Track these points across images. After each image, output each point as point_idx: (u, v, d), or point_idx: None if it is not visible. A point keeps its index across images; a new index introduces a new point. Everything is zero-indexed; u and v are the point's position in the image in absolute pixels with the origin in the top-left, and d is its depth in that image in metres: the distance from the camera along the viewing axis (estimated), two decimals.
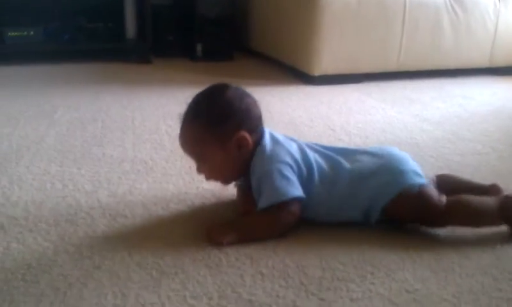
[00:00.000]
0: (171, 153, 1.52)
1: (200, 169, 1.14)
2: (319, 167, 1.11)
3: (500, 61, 2.76)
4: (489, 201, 1.10)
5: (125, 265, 0.97)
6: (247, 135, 1.08)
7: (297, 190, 1.05)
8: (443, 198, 1.09)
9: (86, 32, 2.90)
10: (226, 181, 1.16)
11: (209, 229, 1.06)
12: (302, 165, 1.09)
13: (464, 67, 2.71)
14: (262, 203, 1.06)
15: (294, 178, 1.06)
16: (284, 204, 1.05)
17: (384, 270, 0.97)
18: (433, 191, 1.10)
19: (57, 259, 0.98)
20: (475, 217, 1.09)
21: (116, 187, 1.30)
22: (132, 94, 2.23)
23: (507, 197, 1.10)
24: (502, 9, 2.67)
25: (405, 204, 1.07)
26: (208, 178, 1.15)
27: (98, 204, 1.20)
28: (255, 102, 1.13)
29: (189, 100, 1.12)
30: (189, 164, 1.41)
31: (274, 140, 1.12)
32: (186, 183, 1.32)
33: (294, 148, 1.12)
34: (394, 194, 1.07)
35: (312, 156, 1.12)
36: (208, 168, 1.11)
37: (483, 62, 2.75)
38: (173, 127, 1.70)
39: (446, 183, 1.18)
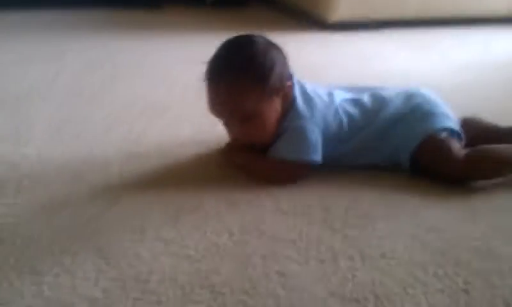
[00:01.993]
0: (184, 97, 1.48)
1: (241, 130, 1.03)
2: (349, 115, 1.06)
3: None
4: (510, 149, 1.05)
5: (143, 201, 0.94)
6: (291, 86, 1.04)
7: (314, 154, 1.02)
8: (463, 150, 1.04)
9: None
10: (266, 140, 1.05)
11: (227, 147, 1.09)
12: (331, 120, 1.05)
13: (483, 16, 2.62)
14: (278, 152, 1.03)
15: (317, 139, 1.02)
16: (296, 163, 1.02)
17: (411, 211, 0.94)
18: (456, 142, 1.05)
19: (70, 199, 0.95)
20: (495, 169, 1.04)
21: (130, 128, 1.26)
22: (141, 39, 2.17)
23: None
24: None
25: (430, 149, 1.03)
26: (248, 138, 1.04)
27: (112, 145, 1.17)
28: (282, 50, 1.06)
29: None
30: (203, 107, 1.37)
31: (305, 93, 1.06)
32: (202, 125, 1.28)
33: (324, 102, 1.06)
34: (423, 137, 1.03)
35: (342, 106, 1.07)
36: (256, 125, 1.01)
37: (502, 10, 2.65)
38: (185, 72, 1.65)
39: (471, 128, 1.13)
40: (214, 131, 1.22)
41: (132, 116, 1.33)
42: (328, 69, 1.81)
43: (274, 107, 1.02)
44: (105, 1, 2.74)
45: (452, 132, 1.05)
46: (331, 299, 0.71)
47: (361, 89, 1.14)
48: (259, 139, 1.04)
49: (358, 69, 1.82)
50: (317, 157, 1.03)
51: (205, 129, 1.25)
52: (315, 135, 1.02)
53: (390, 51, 2.09)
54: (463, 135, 1.08)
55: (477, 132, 1.12)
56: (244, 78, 0.98)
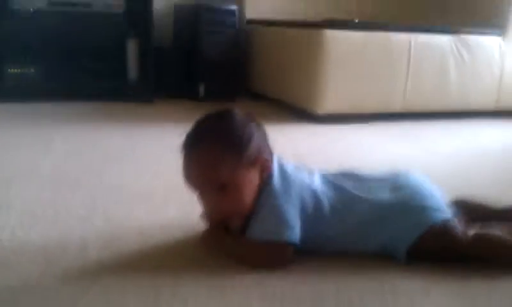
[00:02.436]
0: (172, 183, 1.44)
1: (215, 203, 0.99)
2: (329, 200, 1.02)
3: (507, 104, 2.72)
4: None
5: (119, 287, 0.88)
6: (270, 159, 1.01)
7: (291, 234, 0.97)
8: (469, 232, 1.00)
9: (88, 72, 2.86)
10: (241, 215, 1.02)
11: (207, 232, 1.04)
12: (308, 202, 1.00)
13: (470, 110, 2.67)
14: (254, 233, 0.98)
15: (294, 219, 0.98)
16: (277, 245, 0.97)
17: (408, 299, 0.88)
18: (457, 226, 1.01)
19: (42, 282, 0.89)
20: (505, 252, 1.00)
21: (112, 212, 1.21)
22: (132, 129, 2.17)
23: None
24: (507, 51, 2.66)
25: (429, 243, 0.98)
26: (222, 212, 1.01)
27: (92, 229, 1.11)
28: (262, 126, 1.06)
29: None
30: (191, 193, 1.34)
31: (283, 171, 1.03)
32: (188, 211, 1.23)
33: (302, 182, 1.03)
34: (418, 234, 0.99)
35: (322, 188, 1.04)
36: (231, 197, 0.97)
37: (489, 105, 2.71)
38: (174, 160, 1.62)
39: (466, 207, 1.10)
40: (200, 216, 1.18)
41: (115, 201, 1.29)
42: (314, 156, 1.80)
43: (251, 178, 0.98)
44: (95, 95, 2.78)
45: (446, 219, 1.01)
46: None
47: (345, 175, 1.09)
48: (234, 211, 1.00)
49: (344, 157, 1.81)
50: (294, 236, 0.97)
51: (191, 214, 1.20)
52: (291, 215, 0.97)
53: (377, 142, 2.10)
54: (458, 214, 1.04)
55: (472, 212, 1.09)
56: (219, 146, 0.96)
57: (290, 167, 1.05)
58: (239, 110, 1.03)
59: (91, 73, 2.88)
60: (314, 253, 1.00)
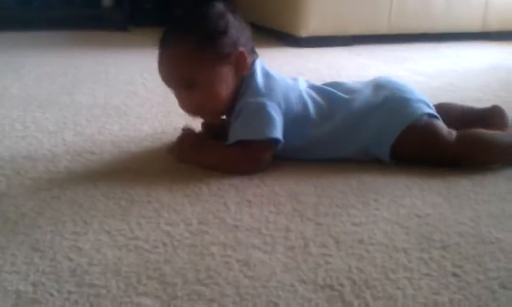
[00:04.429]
0: (147, 100, 1.38)
1: (185, 100, 0.95)
2: (315, 101, 0.98)
3: (493, 25, 2.65)
4: (504, 137, 0.99)
5: (89, 195, 0.83)
6: (246, 53, 0.94)
7: (275, 132, 0.91)
8: (453, 132, 0.97)
9: None
10: (215, 114, 0.99)
11: (179, 142, 0.98)
12: (294, 102, 0.96)
13: (456, 31, 2.60)
14: (235, 133, 0.92)
15: (278, 117, 0.92)
16: (257, 144, 0.92)
17: (389, 197, 0.85)
18: (442, 124, 0.97)
19: (9, 192, 0.84)
20: (489, 153, 0.97)
21: (83, 128, 1.16)
22: (106, 53, 2.07)
23: None
24: None
25: (412, 138, 0.95)
26: (194, 110, 0.97)
27: (62, 143, 1.06)
28: (246, 24, 0.99)
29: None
30: (167, 108, 1.28)
31: (266, 72, 0.98)
32: (163, 124, 1.19)
33: (287, 83, 0.99)
34: (402, 127, 0.95)
35: (307, 91, 1.00)
36: (200, 94, 0.93)
37: (475, 26, 2.64)
38: (150, 81, 1.56)
39: (447, 112, 1.06)
40: (176, 130, 1.13)
41: (86, 118, 1.23)
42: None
43: (223, 75, 0.93)
44: (68, 23, 2.66)
45: (430, 116, 0.98)
46: (301, 286, 0.61)
47: (330, 84, 1.06)
48: (205, 109, 0.95)
49: (329, 78, 1.75)
50: (278, 134, 0.91)
51: (166, 128, 1.15)
52: (275, 113, 0.92)
53: (362, 63, 2.04)
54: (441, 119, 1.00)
55: (453, 116, 1.05)
56: (188, 42, 0.91)
57: (273, 71, 1.00)
58: (224, 3, 0.96)
59: (64, 0, 2.74)
60: (292, 160, 0.97)
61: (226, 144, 0.94)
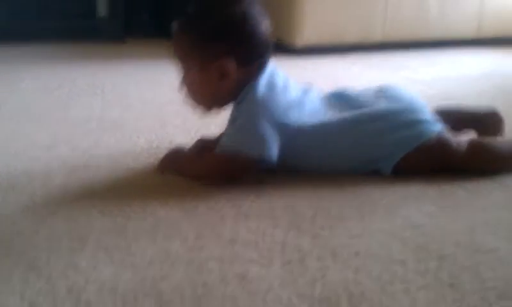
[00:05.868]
0: (142, 113, 1.38)
1: (182, 83, 1.00)
2: (321, 114, 0.99)
3: (488, 31, 2.67)
4: (507, 145, 1.02)
5: (85, 212, 0.83)
6: (231, 65, 0.93)
7: (259, 149, 0.91)
8: (462, 143, 0.98)
9: (54, 10, 2.72)
10: (204, 107, 1.01)
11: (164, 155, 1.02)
12: (293, 118, 0.95)
13: (451, 37, 2.61)
14: (220, 146, 0.94)
15: (268, 134, 0.91)
16: (239, 157, 0.92)
17: (385, 208, 0.85)
18: (450, 137, 0.98)
19: (5, 208, 0.84)
20: (497, 162, 1.00)
21: (79, 142, 1.15)
22: (102, 66, 2.07)
23: None
24: None
25: (423, 155, 0.95)
26: (186, 97, 1.01)
27: (58, 157, 1.06)
28: (264, 29, 0.99)
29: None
30: (163, 120, 1.29)
31: (271, 85, 0.97)
32: (159, 137, 1.19)
33: (290, 98, 0.98)
34: (411, 148, 0.95)
35: (315, 103, 1.01)
36: (187, 86, 0.99)
37: (470, 33, 2.65)
38: (146, 93, 1.56)
39: (447, 116, 1.06)
40: (171, 143, 1.13)
41: (82, 132, 1.23)
42: None
43: (204, 80, 0.95)
44: (65, 34, 2.66)
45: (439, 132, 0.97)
46: (298, 300, 0.61)
47: (335, 91, 1.07)
48: (199, 104, 1.00)
49: (327, 89, 1.75)
50: (261, 151, 0.91)
51: (162, 142, 1.15)
52: (265, 130, 0.91)
53: (357, 72, 2.05)
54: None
55: (454, 119, 1.06)
56: (187, 35, 0.96)
57: (282, 81, 1.00)
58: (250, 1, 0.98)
59: (59, 11, 2.74)
60: (287, 171, 0.97)
61: (213, 152, 0.95)
